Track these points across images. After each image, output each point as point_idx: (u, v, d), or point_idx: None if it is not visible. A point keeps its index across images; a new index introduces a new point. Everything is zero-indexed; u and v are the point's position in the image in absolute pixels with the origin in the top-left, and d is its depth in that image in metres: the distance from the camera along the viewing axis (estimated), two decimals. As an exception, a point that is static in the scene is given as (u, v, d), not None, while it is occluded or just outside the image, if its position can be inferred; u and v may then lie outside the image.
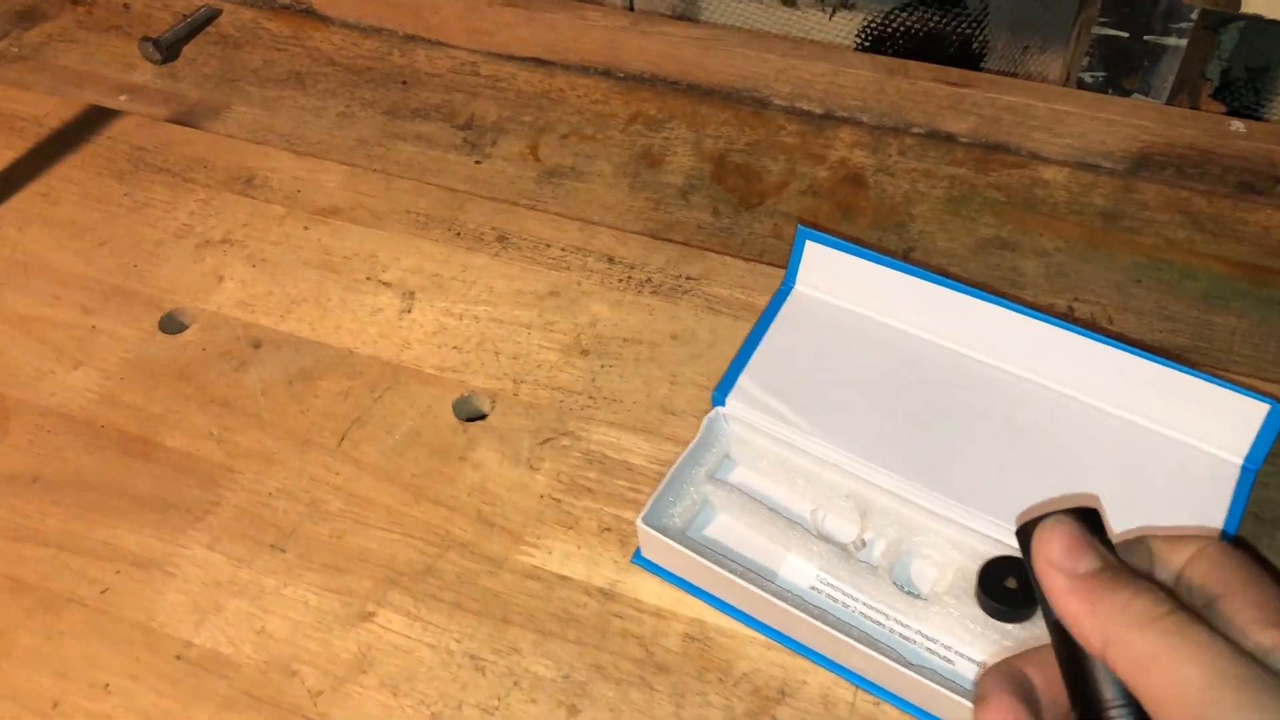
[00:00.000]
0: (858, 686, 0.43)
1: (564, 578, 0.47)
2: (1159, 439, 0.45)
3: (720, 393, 0.48)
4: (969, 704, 0.39)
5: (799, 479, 0.47)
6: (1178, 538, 0.31)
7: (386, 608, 0.46)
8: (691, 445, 0.47)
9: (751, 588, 0.43)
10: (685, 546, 0.44)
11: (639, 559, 0.47)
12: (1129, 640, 0.27)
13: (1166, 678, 0.26)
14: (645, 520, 0.44)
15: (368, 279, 0.58)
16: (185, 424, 0.53)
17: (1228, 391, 0.43)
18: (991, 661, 0.32)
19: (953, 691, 0.40)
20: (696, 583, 0.46)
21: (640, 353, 0.54)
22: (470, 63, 0.71)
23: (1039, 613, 0.43)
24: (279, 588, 0.47)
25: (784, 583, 0.45)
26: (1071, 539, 0.29)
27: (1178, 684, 0.26)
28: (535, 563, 0.47)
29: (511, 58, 0.71)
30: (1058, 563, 0.29)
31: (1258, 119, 0.65)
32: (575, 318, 0.56)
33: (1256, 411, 0.43)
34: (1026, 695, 0.30)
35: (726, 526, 0.47)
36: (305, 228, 0.61)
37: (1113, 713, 0.28)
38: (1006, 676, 0.31)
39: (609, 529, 0.48)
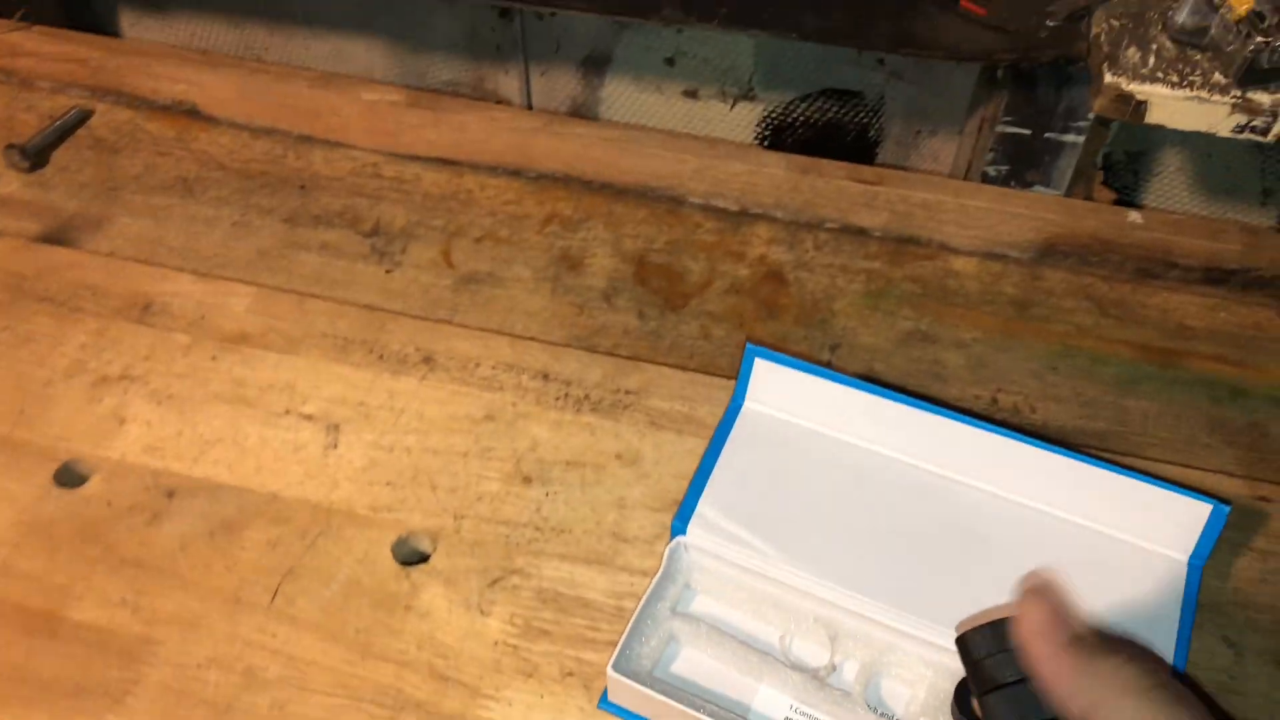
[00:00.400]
0: (843, 820, 0.43)
1: (531, 731, 0.45)
2: (1111, 542, 0.48)
3: (680, 520, 0.48)
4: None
5: (765, 605, 0.48)
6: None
7: (342, 782, 0.44)
8: (655, 581, 0.46)
9: None
10: (655, 689, 0.44)
11: (605, 704, 0.46)
12: (1118, 706, 0.28)
13: None
14: (616, 667, 0.44)
15: (287, 412, 0.56)
16: (94, 592, 0.49)
17: (1171, 494, 0.46)
18: None
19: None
20: (669, 726, 0.45)
21: (585, 476, 0.53)
22: (371, 164, 0.69)
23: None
24: (219, 771, 0.44)
25: (757, 717, 0.45)
26: (1054, 608, 0.31)
27: None
28: (496, 717, 0.46)
29: (415, 158, 0.69)
30: (1041, 630, 0.30)
31: (1135, 201, 0.70)
32: (514, 442, 0.55)
33: (1200, 512, 0.46)
34: None
35: (694, 661, 0.47)
36: (213, 358, 0.58)
37: None
38: None
39: (571, 673, 0.47)
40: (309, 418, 0.55)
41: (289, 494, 0.52)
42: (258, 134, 0.71)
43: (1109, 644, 0.30)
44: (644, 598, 0.46)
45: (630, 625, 0.45)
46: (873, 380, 0.50)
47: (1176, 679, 0.30)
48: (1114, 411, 0.59)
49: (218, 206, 0.66)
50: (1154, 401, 0.59)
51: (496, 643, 0.48)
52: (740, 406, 0.52)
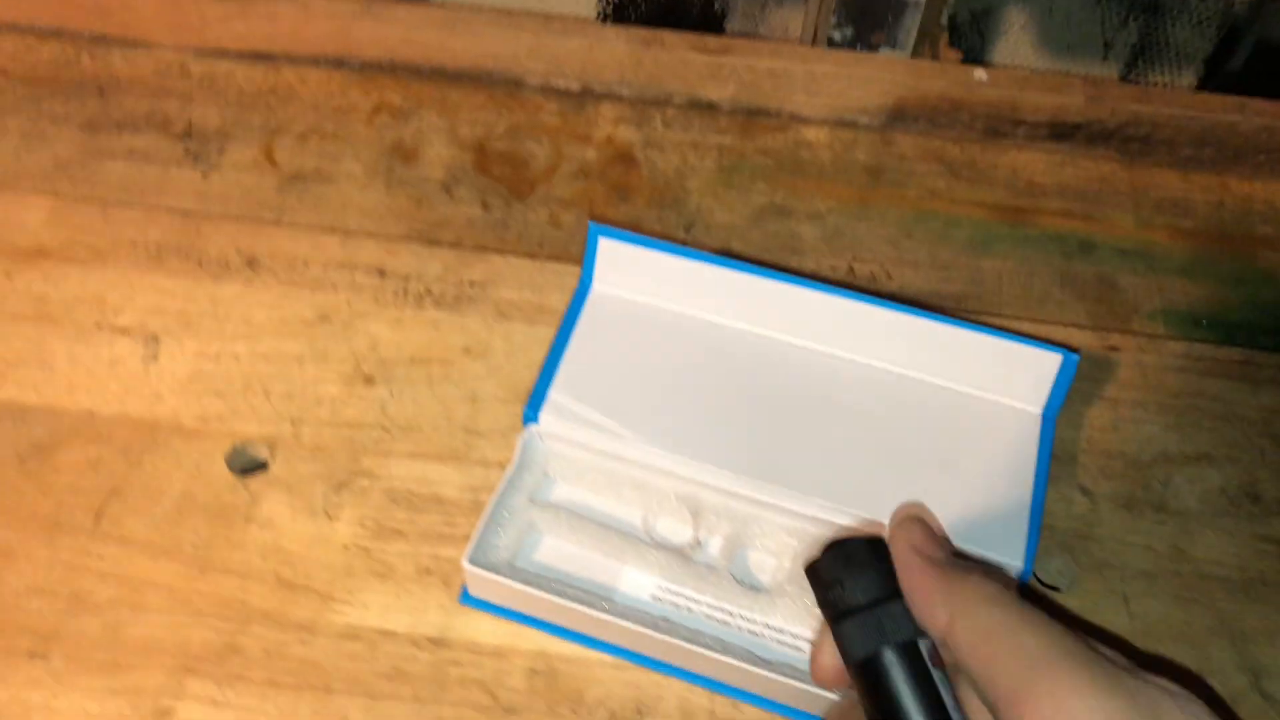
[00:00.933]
0: (714, 692, 0.44)
1: (387, 632, 0.45)
2: (966, 399, 0.49)
3: (531, 409, 0.48)
4: (821, 692, 0.41)
5: (625, 488, 0.48)
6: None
7: (186, 700, 0.43)
8: (509, 471, 0.46)
9: (591, 611, 0.43)
10: (515, 579, 0.43)
11: (467, 598, 0.46)
12: (977, 613, 0.31)
13: (1007, 645, 0.30)
14: (471, 560, 0.43)
15: (98, 326, 0.53)
16: (-108, 528, 0.46)
17: (1022, 346, 0.48)
18: None
19: (804, 683, 0.41)
20: (533, 614, 0.45)
21: (432, 373, 0.52)
22: (177, 62, 0.65)
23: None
24: (47, 701, 0.42)
25: (624, 598, 0.46)
26: (928, 531, 0.34)
27: (1016, 651, 0.30)
28: (352, 621, 0.45)
29: (225, 53, 0.66)
30: (919, 547, 0.34)
31: (981, 61, 0.71)
32: (352, 343, 0.53)
33: (1050, 361, 0.48)
34: None
35: (556, 549, 0.47)
36: (8, 275, 0.54)
37: None
38: None
39: (429, 571, 0.46)
40: (124, 331, 0.52)
41: (107, 411, 0.50)
42: (44, 36, 0.66)
43: (969, 565, 0.34)
44: (498, 489, 0.45)
45: (484, 517, 0.44)
46: (731, 257, 0.50)
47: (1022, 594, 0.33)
48: (969, 273, 0.60)
49: (3, 117, 0.62)
50: (1007, 260, 0.61)
51: (346, 547, 0.47)
52: (588, 289, 0.51)
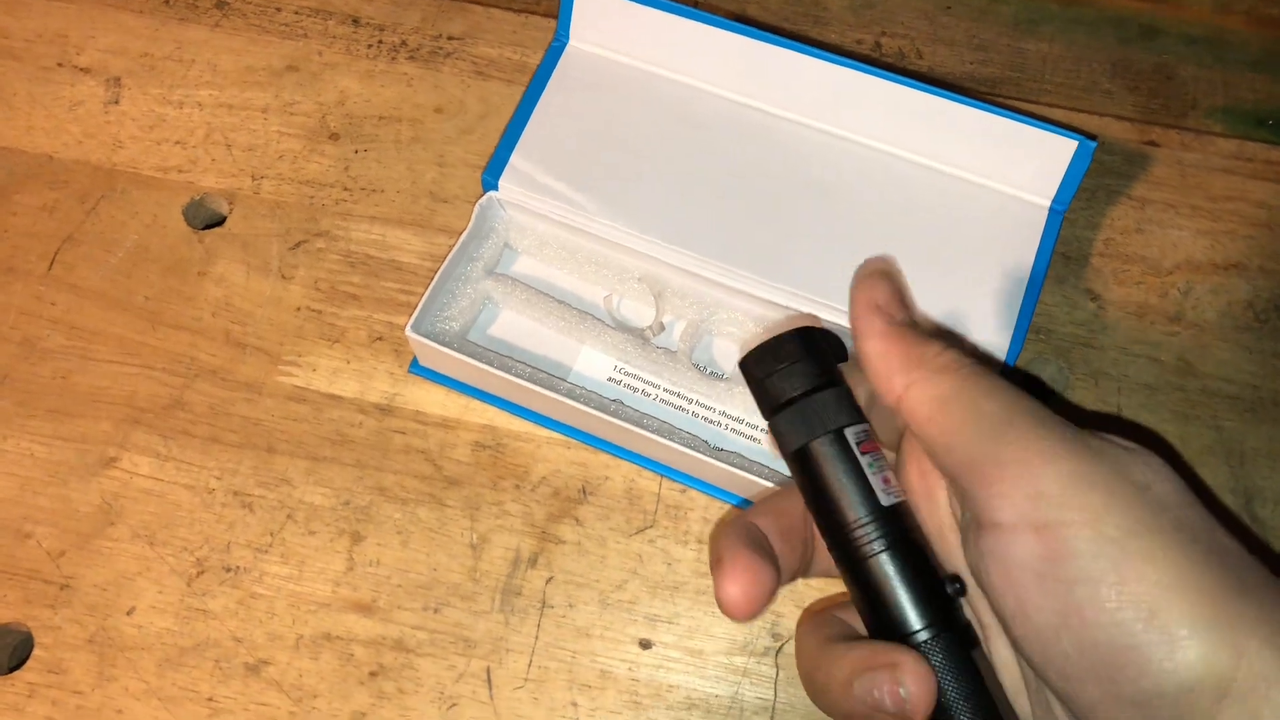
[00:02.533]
0: (662, 476, 0.43)
1: (333, 396, 0.44)
2: (968, 187, 0.45)
3: (491, 174, 0.44)
4: (770, 484, 0.39)
5: (587, 264, 0.45)
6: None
7: (131, 450, 0.43)
8: (462, 237, 0.43)
9: (542, 390, 0.41)
10: (464, 352, 0.42)
11: (417, 369, 0.44)
12: (934, 380, 0.28)
13: (965, 412, 0.28)
14: (414, 329, 0.42)
15: (59, 65, 0.50)
16: None
17: (1034, 129, 0.42)
18: (722, 522, 0.32)
19: (755, 475, 0.40)
20: (483, 388, 0.44)
21: (400, 132, 0.49)
22: None
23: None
24: (-2, 442, 0.43)
25: (578, 378, 0.44)
26: (894, 291, 0.31)
27: (977, 418, 0.27)
28: (298, 383, 0.44)
29: None
30: (882, 305, 0.30)
31: None
32: (319, 96, 0.50)
33: (1064, 149, 0.43)
34: (764, 550, 0.30)
35: (512, 323, 0.45)
36: (-32, 5, 0.52)
37: (861, 530, 0.29)
38: (742, 534, 0.31)
39: (380, 338, 0.45)
40: (85, 71, 0.50)
41: (65, 155, 0.48)
42: None
43: (931, 334, 0.30)
44: (449, 256, 0.43)
45: (432, 284, 0.42)
46: (745, 23, 0.45)
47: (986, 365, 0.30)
48: (1009, 56, 0.54)
49: None
50: (1054, 43, 0.55)
51: (299, 308, 0.45)
52: (563, 46, 0.47)
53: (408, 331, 0.41)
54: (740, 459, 0.41)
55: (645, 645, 0.40)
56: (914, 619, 0.28)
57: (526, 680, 0.39)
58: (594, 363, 0.44)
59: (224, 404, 0.43)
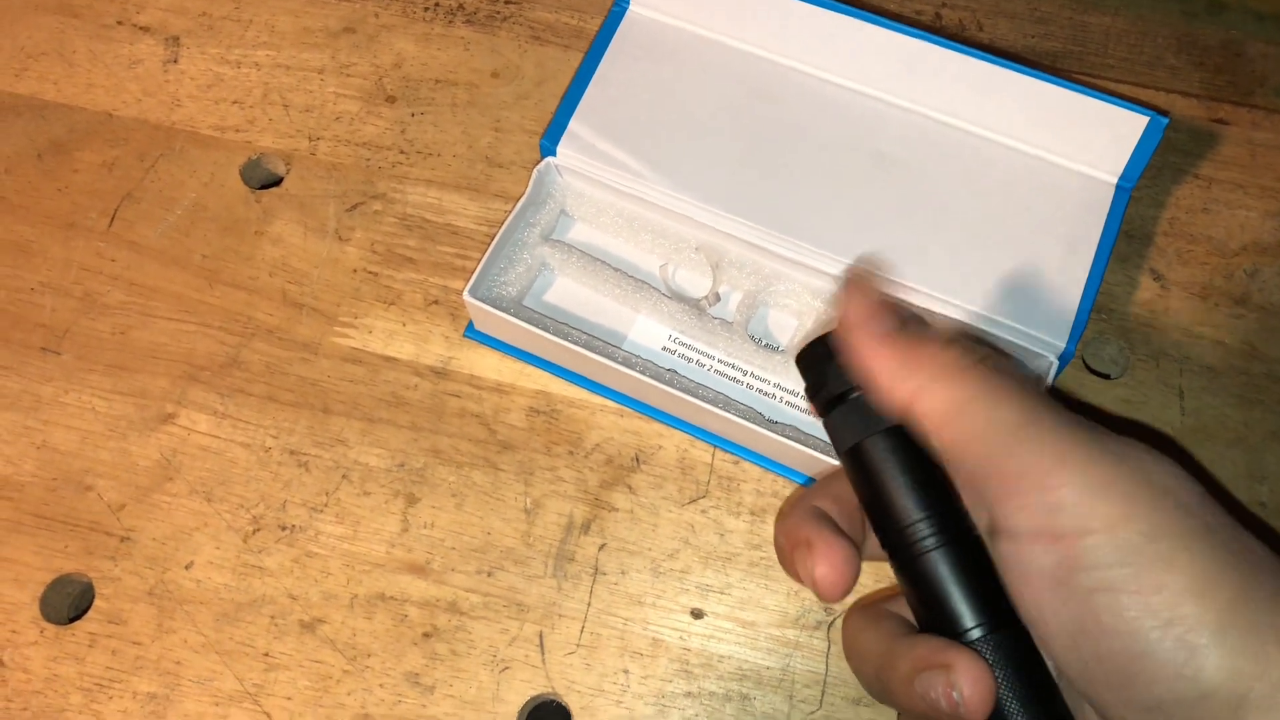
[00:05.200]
0: (716, 447, 0.43)
1: (389, 359, 0.44)
2: (1032, 161, 0.44)
3: (549, 140, 0.44)
4: (825, 458, 0.39)
5: (644, 233, 0.45)
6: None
7: (188, 407, 0.43)
8: (520, 203, 0.43)
9: (597, 356, 0.41)
10: (521, 318, 0.42)
11: (473, 333, 0.44)
12: (939, 387, 0.27)
13: (976, 421, 0.26)
14: (472, 293, 0.42)
15: (119, 23, 0.51)
16: (-86, 214, 0.46)
17: (1104, 104, 0.42)
18: (786, 506, 0.32)
19: (808, 446, 0.40)
20: (538, 354, 0.44)
21: (457, 96, 0.49)
22: None
23: None
24: (57, 395, 0.43)
25: (633, 346, 0.44)
26: (876, 297, 0.29)
27: (989, 426, 0.26)
28: (354, 344, 0.44)
29: None
30: (864, 320, 0.29)
31: None
32: (376, 58, 0.50)
33: (1134, 125, 0.42)
34: (843, 532, 0.30)
35: (568, 290, 0.45)
36: (30, -39, 0.52)
37: (914, 528, 0.28)
38: (819, 517, 0.30)
39: (436, 301, 0.45)
40: (144, 29, 0.50)
41: (125, 113, 0.49)
42: None
43: (929, 332, 0.29)
44: (506, 221, 0.43)
45: (490, 249, 0.42)
46: None
47: (998, 355, 0.29)
48: (1071, 29, 0.54)
49: None
50: (1118, 17, 0.54)
51: (355, 270, 0.46)
52: (624, 11, 0.47)
53: (465, 295, 0.41)
54: (795, 431, 0.41)
55: (697, 615, 0.40)
56: (968, 617, 0.28)
57: (579, 646, 0.39)
58: (649, 332, 0.44)
59: (280, 363, 0.44)
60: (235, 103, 0.49)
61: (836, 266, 0.43)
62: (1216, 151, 0.49)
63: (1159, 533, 0.25)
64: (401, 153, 0.48)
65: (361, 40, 0.50)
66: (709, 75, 0.46)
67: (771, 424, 0.41)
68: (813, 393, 0.31)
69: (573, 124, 0.45)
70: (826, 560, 0.29)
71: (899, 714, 0.31)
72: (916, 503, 0.29)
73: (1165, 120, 0.42)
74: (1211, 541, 0.25)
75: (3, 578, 0.40)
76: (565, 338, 0.42)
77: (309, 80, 0.49)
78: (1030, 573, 0.26)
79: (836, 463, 0.38)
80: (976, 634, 0.28)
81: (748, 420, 0.40)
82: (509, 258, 0.44)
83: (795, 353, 0.34)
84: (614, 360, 0.41)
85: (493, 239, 0.43)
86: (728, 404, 0.42)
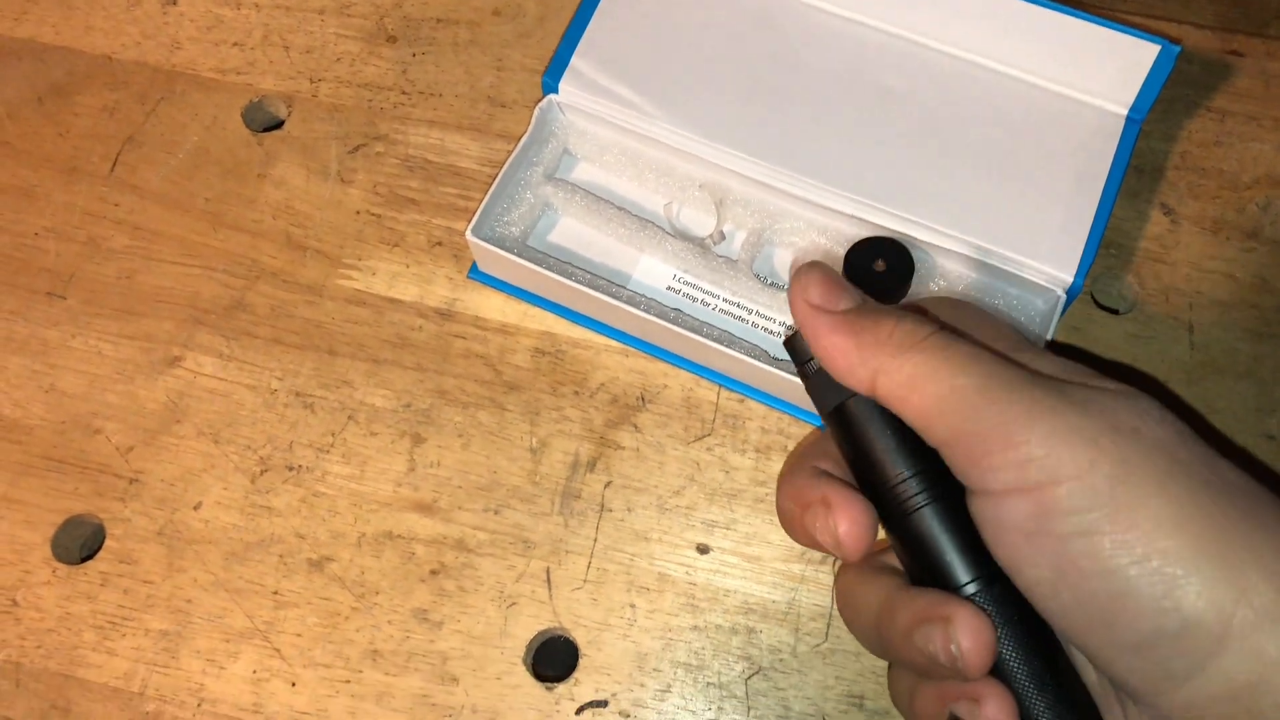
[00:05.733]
0: (721, 385, 0.43)
1: (394, 300, 0.44)
2: (1039, 93, 0.44)
3: (551, 77, 0.44)
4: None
5: (648, 172, 0.45)
6: (922, 300, 0.32)
7: (194, 350, 0.43)
8: (522, 141, 0.43)
9: (601, 296, 0.41)
10: (524, 257, 0.42)
11: (476, 274, 0.44)
12: (897, 364, 0.27)
13: (939, 390, 0.27)
14: (474, 232, 0.42)
15: (117, -36, 0.50)
16: (-84, 160, 0.46)
17: (1113, 33, 0.41)
18: (787, 471, 0.32)
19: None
20: (542, 294, 0.44)
21: (458, 35, 0.49)
22: None
23: (907, 296, 0.42)
24: (65, 340, 0.43)
25: (638, 286, 0.44)
26: (827, 280, 0.30)
27: (950, 394, 0.26)
28: (358, 286, 0.44)
29: None
30: (817, 303, 0.29)
31: None
32: (377, -3, 0.50)
33: (1145, 54, 0.41)
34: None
35: (571, 230, 0.45)
36: (26, -98, 0.51)
37: (904, 485, 0.28)
38: (826, 476, 0.30)
39: (440, 243, 0.45)
40: (143, -30, 0.50)
41: (125, 56, 0.48)
42: None
43: (880, 309, 0.29)
44: (509, 160, 0.43)
45: (493, 188, 0.42)
46: None
47: (947, 328, 0.29)
48: (1084, -38, 0.53)
49: None
50: (1131, -51, 0.53)
51: (358, 212, 0.46)
52: None
53: (468, 235, 0.41)
54: None
55: (703, 550, 0.40)
56: (964, 571, 0.28)
57: (585, 581, 0.40)
58: (653, 271, 0.44)
59: (285, 306, 0.44)
60: (236, 45, 0.49)
61: (842, 202, 0.42)
62: (1230, 84, 0.48)
63: (1128, 473, 0.25)
64: (403, 93, 0.48)
65: (361, -21, 0.50)
66: (713, 9, 0.45)
67: (776, 361, 0.41)
68: (794, 353, 0.31)
69: (575, 60, 0.44)
70: (848, 516, 0.29)
71: (890, 666, 0.31)
72: (903, 460, 0.29)
73: (1177, 49, 0.41)
74: (1184, 475, 0.25)
75: (14, 519, 0.40)
76: (570, 277, 0.42)
77: (309, 21, 0.49)
78: (1006, 527, 0.26)
79: None
80: (973, 588, 0.28)
81: (754, 358, 0.40)
82: (511, 197, 0.44)
83: (784, 337, 0.34)
84: (619, 300, 0.41)
85: (495, 179, 0.42)
86: (733, 342, 0.42)
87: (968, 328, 0.30)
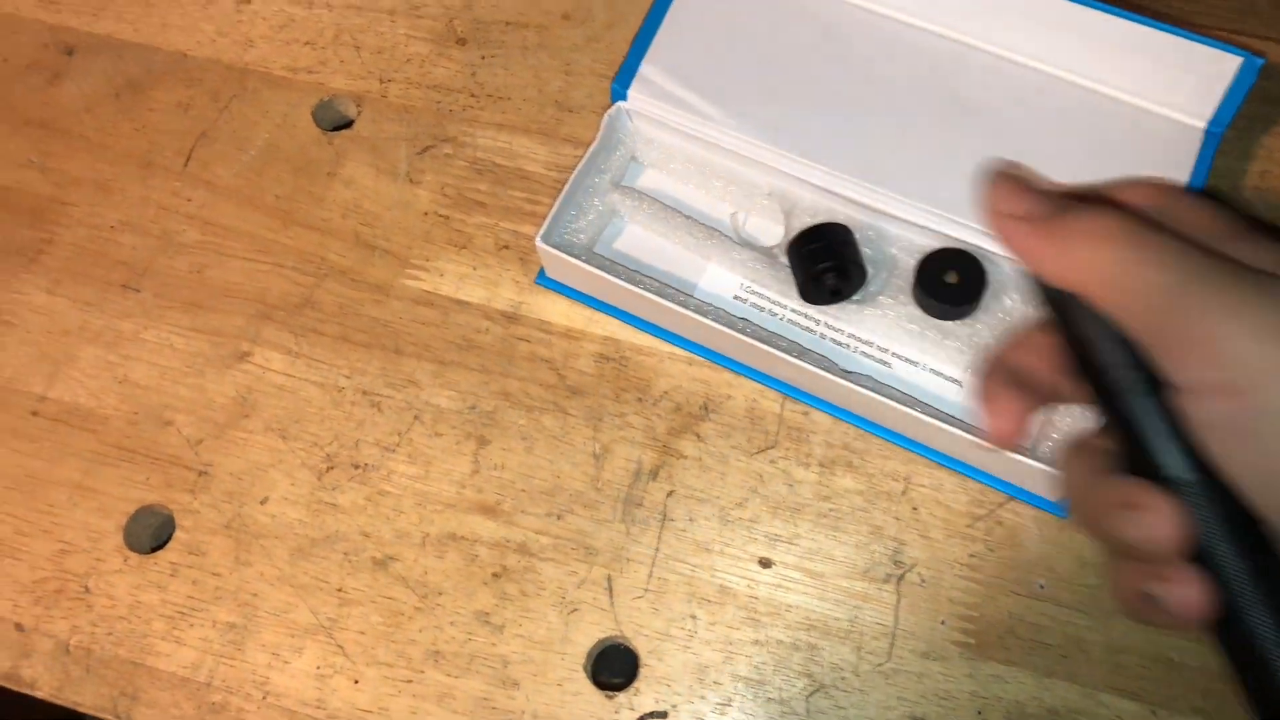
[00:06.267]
0: (786, 396, 0.43)
1: (461, 302, 0.44)
2: (1117, 106, 0.43)
3: (620, 84, 0.44)
4: (900, 407, 0.39)
5: (715, 179, 0.45)
6: (1124, 183, 0.31)
7: (263, 346, 0.44)
8: (591, 148, 0.43)
9: (669, 304, 0.41)
10: (593, 264, 0.42)
11: (544, 280, 0.45)
12: (1094, 258, 0.27)
13: (1135, 286, 0.26)
14: (544, 239, 0.42)
15: (194, -39, 0.51)
16: (-3, 152, 0.47)
17: (1194, 44, 0.41)
18: (980, 361, 0.32)
19: (882, 395, 0.39)
20: (610, 301, 0.44)
21: (527, 38, 0.49)
22: None
23: (979, 308, 0.42)
24: (138, 331, 0.44)
25: (704, 294, 0.44)
26: (1014, 186, 0.30)
27: (1147, 291, 0.26)
28: (426, 287, 0.45)
29: None
30: (1010, 209, 0.29)
31: None
32: (448, -1, 0.50)
33: (1226, 66, 0.41)
34: (1024, 384, 0.30)
35: (638, 238, 0.45)
36: (107, -102, 0.52)
37: (1123, 373, 0.28)
38: (1001, 371, 0.31)
39: (507, 246, 0.45)
40: (219, -32, 0.51)
41: (199, 53, 0.49)
42: None
43: (1070, 208, 0.29)
44: (578, 167, 0.43)
45: (562, 195, 0.42)
46: None
47: (1145, 218, 0.28)
48: (1160, -26, 0.52)
49: None
50: (1210, -38, 0.52)
51: (426, 213, 0.46)
52: None
53: (538, 242, 0.42)
54: (871, 381, 0.41)
55: (765, 564, 0.40)
56: (1175, 463, 0.27)
57: (646, 590, 0.40)
58: (720, 281, 0.44)
59: (353, 304, 0.44)
60: (307, 44, 0.49)
61: (914, 213, 0.42)
62: (1311, 102, 0.47)
63: None
64: (472, 95, 0.48)
65: (433, -19, 0.50)
66: (781, 16, 0.45)
67: (846, 373, 0.41)
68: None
69: (644, 67, 0.44)
70: (993, 412, 0.30)
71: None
72: (1124, 350, 0.28)
73: (1260, 61, 0.41)
74: None
75: (89, 507, 0.41)
76: (637, 285, 0.42)
77: (380, 21, 0.49)
78: (1211, 425, 0.26)
79: (924, 417, 0.38)
80: (1177, 477, 0.27)
81: (823, 370, 0.40)
82: (580, 205, 0.44)
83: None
84: (687, 308, 0.41)
85: (564, 185, 0.43)
86: (802, 353, 0.41)
87: (1172, 213, 0.29)
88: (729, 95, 0.44)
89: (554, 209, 0.42)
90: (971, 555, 0.40)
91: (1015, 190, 0.30)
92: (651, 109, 0.44)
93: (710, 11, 0.45)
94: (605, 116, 0.44)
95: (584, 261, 0.42)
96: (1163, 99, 0.43)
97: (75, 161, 0.47)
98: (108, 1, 0.50)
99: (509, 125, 0.47)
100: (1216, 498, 0.27)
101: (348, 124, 0.48)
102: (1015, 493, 0.41)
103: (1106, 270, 0.27)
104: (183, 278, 0.45)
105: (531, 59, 0.49)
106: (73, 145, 0.47)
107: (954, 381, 0.42)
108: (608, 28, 0.49)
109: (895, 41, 0.44)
